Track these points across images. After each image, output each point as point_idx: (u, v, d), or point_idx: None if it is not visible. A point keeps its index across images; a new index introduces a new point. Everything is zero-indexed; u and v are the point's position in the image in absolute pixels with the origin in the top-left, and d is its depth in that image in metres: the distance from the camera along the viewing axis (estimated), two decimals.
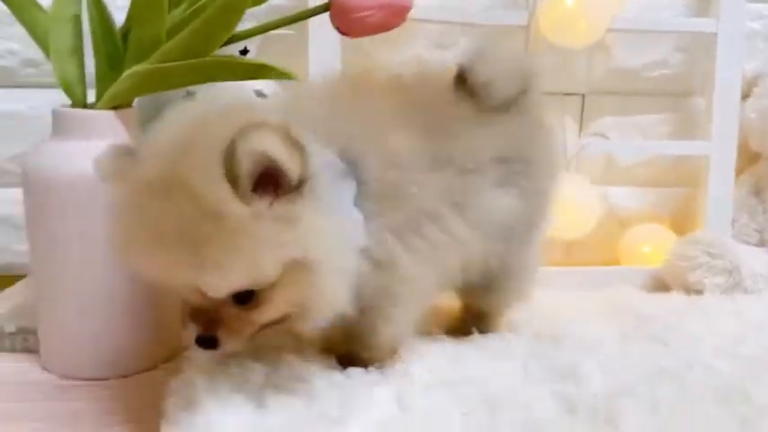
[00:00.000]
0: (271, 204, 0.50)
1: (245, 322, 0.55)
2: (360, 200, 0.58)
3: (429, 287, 0.65)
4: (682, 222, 1.13)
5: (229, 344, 0.55)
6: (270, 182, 0.50)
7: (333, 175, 0.55)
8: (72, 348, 0.71)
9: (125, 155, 0.53)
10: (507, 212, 0.69)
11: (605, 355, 0.72)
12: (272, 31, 0.77)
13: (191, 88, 0.80)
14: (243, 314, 0.54)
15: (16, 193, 0.72)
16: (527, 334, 0.78)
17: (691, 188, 1.11)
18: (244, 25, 0.77)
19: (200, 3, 0.67)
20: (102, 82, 0.69)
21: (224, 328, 0.54)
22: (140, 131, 0.77)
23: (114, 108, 0.68)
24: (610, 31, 0.99)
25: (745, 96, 1.08)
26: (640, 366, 0.70)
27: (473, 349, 0.74)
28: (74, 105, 0.71)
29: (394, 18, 0.70)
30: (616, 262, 1.11)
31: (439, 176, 0.63)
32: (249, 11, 0.86)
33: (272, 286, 0.52)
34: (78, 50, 0.71)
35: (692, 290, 0.98)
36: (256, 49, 0.92)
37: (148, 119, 0.80)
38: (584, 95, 1.10)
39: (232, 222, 0.48)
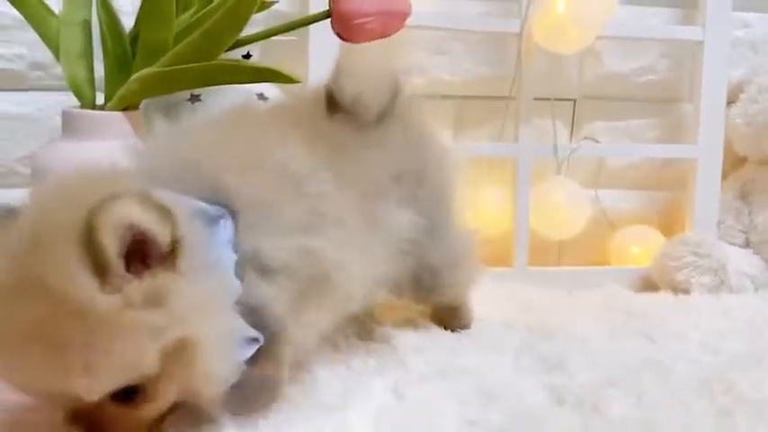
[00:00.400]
0: (140, 282, 0.45)
1: (133, 421, 0.49)
2: (237, 229, 0.54)
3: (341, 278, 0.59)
4: (670, 224, 1.16)
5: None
6: (138, 256, 0.45)
7: (204, 223, 0.51)
8: None
9: None
10: (409, 228, 0.67)
11: (593, 348, 0.75)
12: (274, 37, 0.80)
13: (195, 91, 0.83)
14: (129, 412, 0.49)
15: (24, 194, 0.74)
16: (520, 328, 0.81)
17: (678, 191, 1.15)
18: (247, 31, 0.81)
19: (208, 8, 0.70)
20: (111, 84, 0.71)
21: (111, 424, 0.49)
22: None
23: (123, 110, 0.71)
24: (600, 37, 1.02)
25: (730, 102, 1.11)
26: (627, 359, 0.73)
27: (468, 342, 0.77)
28: (83, 107, 0.73)
29: (393, 24, 0.72)
30: (606, 262, 1.14)
31: (341, 195, 0.61)
32: (252, 17, 0.89)
33: (154, 377, 0.47)
34: (88, 54, 0.73)
35: (680, 289, 1.01)
36: (259, 55, 0.94)
37: (154, 120, 0.84)
38: (575, 101, 1.13)
39: (97, 318, 0.43)
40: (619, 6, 1.06)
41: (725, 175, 1.12)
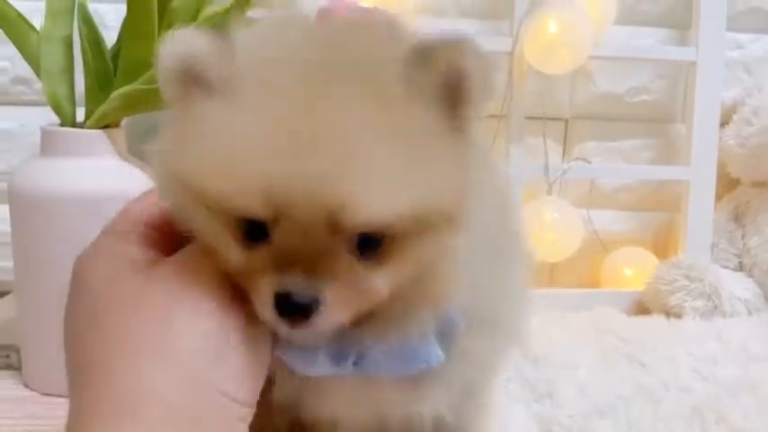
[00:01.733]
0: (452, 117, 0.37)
1: (363, 283, 0.37)
2: None
3: None
4: (663, 246, 1.14)
5: (335, 313, 0.36)
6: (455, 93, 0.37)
7: None
8: (55, 365, 0.71)
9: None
10: None
11: (583, 375, 0.74)
12: None
13: None
14: (362, 270, 0.36)
15: (1, 210, 0.73)
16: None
17: (672, 213, 1.13)
18: None
19: (191, 24, 0.68)
20: (92, 101, 0.70)
21: (336, 283, 0.36)
22: (130, 150, 0.79)
23: (103, 127, 0.69)
24: (592, 57, 1.01)
25: (724, 123, 1.10)
26: (617, 387, 0.71)
27: None
28: (63, 124, 0.72)
29: None
30: (599, 284, 1.12)
31: None
32: None
33: (405, 236, 0.36)
34: (69, 70, 0.72)
35: (672, 313, 0.99)
36: None
37: (137, 140, 0.82)
38: (567, 120, 1.12)
39: (416, 129, 0.36)
40: (612, 26, 1.06)
41: (719, 198, 1.11)
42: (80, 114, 0.72)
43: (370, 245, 0.36)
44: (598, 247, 1.12)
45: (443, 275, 0.39)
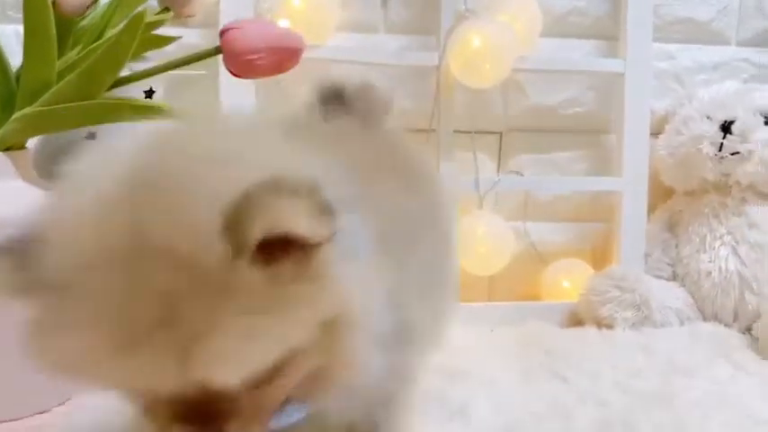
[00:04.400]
0: (285, 263, 0.37)
1: (264, 403, 0.41)
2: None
3: None
4: (600, 257, 1.15)
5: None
6: (283, 248, 0.37)
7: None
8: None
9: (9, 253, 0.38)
10: None
11: (501, 392, 0.73)
12: (180, 72, 0.77)
13: (92, 129, 0.81)
14: (258, 394, 0.40)
15: None
16: (427, 370, 0.78)
17: (608, 223, 1.14)
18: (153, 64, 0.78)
19: (93, 45, 0.67)
20: None
21: (236, 418, 0.39)
22: (39, 172, 0.77)
23: (6, 150, 0.68)
24: (519, 70, 1.01)
25: (657, 133, 1.11)
26: (532, 403, 0.70)
27: None
28: None
29: (286, 61, 0.70)
30: (539, 297, 1.12)
31: None
32: (161, 52, 0.87)
33: (299, 352, 0.39)
34: None
35: (604, 324, 0.99)
36: (164, 91, 0.92)
37: (49, 160, 0.81)
38: (501, 134, 1.12)
39: (246, 292, 0.36)
40: (541, 39, 1.06)
41: (653, 207, 1.11)
42: None
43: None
44: (536, 259, 1.12)
45: (334, 370, 0.42)
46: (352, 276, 0.40)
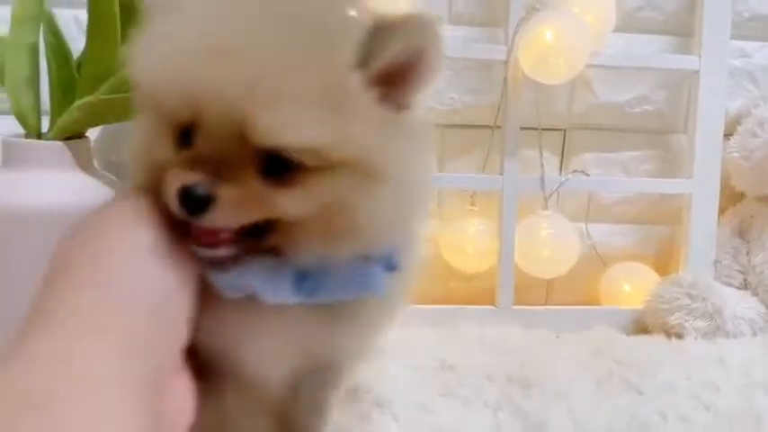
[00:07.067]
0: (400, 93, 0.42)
1: (261, 199, 0.40)
2: None
3: None
4: (665, 261, 1.10)
5: (225, 214, 0.40)
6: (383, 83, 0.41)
7: None
8: None
9: None
10: None
11: (577, 404, 0.70)
12: None
13: None
14: (263, 188, 0.40)
15: None
16: (500, 378, 0.75)
17: (673, 226, 1.09)
18: None
19: None
20: (57, 112, 0.66)
21: (230, 187, 0.39)
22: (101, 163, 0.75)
23: (66, 139, 0.66)
24: (589, 66, 0.97)
25: (728, 135, 1.06)
26: (611, 418, 0.67)
27: (443, 396, 0.71)
28: (27, 135, 0.68)
29: None
30: (597, 300, 1.08)
31: None
32: None
33: (317, 168, 0.40)
34: (34, 80, 0.68)
35: (673, 333, 0.95)
36: None
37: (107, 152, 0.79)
38: (565, 131, 1.08)
39: (341, 79, 0.40)
40: (612, 34, 1.02)
41: (722, 211, 1.07)
42: (46, 125, 0.69)
43: (279, 168, 0.40)
44: (596, 262, 1.08)
45: (358, 213, 0.41)
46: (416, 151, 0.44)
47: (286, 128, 0.38)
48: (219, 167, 0.39)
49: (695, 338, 0.93)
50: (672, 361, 0.86)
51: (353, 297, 0.45)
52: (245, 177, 0.40)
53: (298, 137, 0.38)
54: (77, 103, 0.63)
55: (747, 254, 1.04)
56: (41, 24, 0.68)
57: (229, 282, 0.42)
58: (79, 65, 0.67)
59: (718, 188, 1.04)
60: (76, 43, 0.71)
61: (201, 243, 0.41)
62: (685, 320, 0.94)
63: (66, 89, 0.66)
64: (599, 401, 0.71)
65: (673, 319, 0.95)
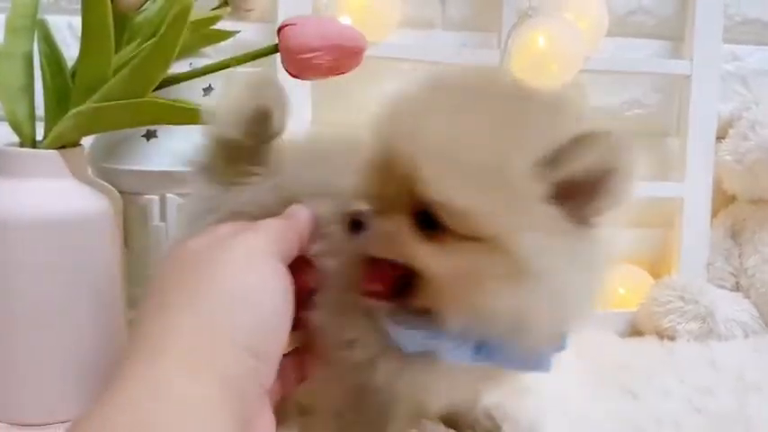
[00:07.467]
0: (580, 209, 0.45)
1: (404, 243, 0.46)
2: None
3: None
4: (659, 264, 1.11)
5: (375, 240, 0.47)
6: (569, 195, 0.44)
7: None
8: (22, 394, 0.68)
9: None
10: None
11: (572, 410, 0.70)
12: (237, 69, 0.75)
13: (151, 127, 0.78)
14: (410, 235, 0.46)
15: None
16: None
17: (667, 229, 1.10)
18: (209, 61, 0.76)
19: (151, 40, 0.65)
20: (51, 120, 0.66)
21: (384, 221, 0.47)
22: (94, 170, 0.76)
23: (60, 147, 0.66)
24: (583, 71, 0.97)
25: (720, 138, 1.07)
26: (606, 420, 0.68)
27: None
28: (22, 144, 0.69)
29: (347, 60, 0.67)
30: None
31: None
32: (219, 47, 0.85)
33: (463, 236, 0.44)
34: (29, 88, 0.68)
35: (666, 335, 0.95)
36: (222, 87, 0.90)
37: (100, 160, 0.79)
38: None
39: (518, 168, 0.44)
40: (605, 39, 1.02)
41: (714, 214, 1.07)
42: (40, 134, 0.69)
43: (430, 224, 0.45)
44: None
45: (487, 289, 0.44)
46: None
47: (443, 185, 0.44)
48: (385, 207, 0.47)
49: (688, 341, 0.93)
50: (664, 364, 0.86)
51: (521, 371, 0.50)
52: (401, 220, 0.46)
53: (449, 196, 0.43)
54: (72, 111, 0.63)
55: (740, 256, 1.05)
56: (35, 33, 0.68)
57: (414, 340, 0.48)
58: (73, 73, 0.67)
59: (711, 191, 1.04)
60: (70, 50, 0.71)
61: (363, 292, 0.48)
62: (678, 323, 0.94)
63: (60, 98, 0.67)
64: (593, 405, 0.71)
65: (666, 322, 0.95)
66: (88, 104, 0.63)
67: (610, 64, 1.03)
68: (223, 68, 0.69)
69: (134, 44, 0.67)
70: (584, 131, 0.43)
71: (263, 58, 0.72)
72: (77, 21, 0.66)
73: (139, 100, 0.62)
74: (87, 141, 0.74)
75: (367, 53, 0.69)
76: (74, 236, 0.65)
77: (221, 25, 0.81)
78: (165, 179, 0.76)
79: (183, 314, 0.42)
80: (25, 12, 0.69)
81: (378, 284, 0.47)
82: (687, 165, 1.03)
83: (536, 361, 0.48)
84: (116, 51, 0.66)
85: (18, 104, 0.68)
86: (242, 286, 0.44)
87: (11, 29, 0.69)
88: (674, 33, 1.06)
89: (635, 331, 1.01)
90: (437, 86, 0.49)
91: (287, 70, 0.68)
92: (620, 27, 1.05)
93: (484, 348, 0.47)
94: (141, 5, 0.70)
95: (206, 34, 0.77)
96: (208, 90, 0.83)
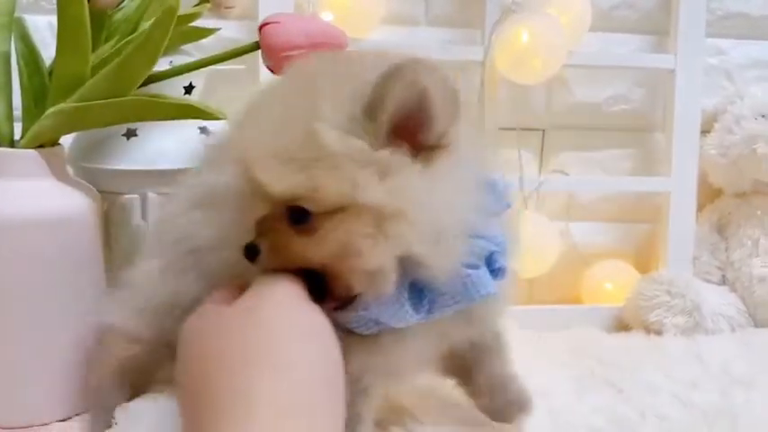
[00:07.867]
0: (389, 152, 0.45)
1: (290, 244, 0.48)
2: None
3: None
4: (645, 259, 1.11)
5: (269, 259, 0.48)
6: (405, 133, 0.45)
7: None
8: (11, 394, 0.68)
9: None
10: None
11: (557, 403, 0.70)
12: (220, 67, 0.75)
13: (131, 125, 0.78)
14: (291, 236, 0.47)
15: None
16: None
17: (654, 224, 1.10)
18: (189, 59, 0.76)
19: (128, 38, 0.65)
20: (28, 120, 0.66)
21: (268, 240, 0.48)
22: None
23: (38, 147, 0.65)
24: (565, 66, 0.97)
25: (705, 132, 1.07)
26: (591, 418, 0.67)
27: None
28: (1, 144, 0.68)
29: None
30: (580, 299, 1.09)
31: None
32: (200, 46, 0.84)
33: (332, 215, 0.46)
34: (6, 88, 0.68)
35: (652, 330, 0.95)
36: (204, 85, 0.89)
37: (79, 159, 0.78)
38: (544, 131, 1.08)
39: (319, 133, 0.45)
40: (588, 34, 1.02)
41: (700, 208, 1.07)
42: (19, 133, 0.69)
43: (300, 219, 0.47)
44: (578, 260, 1.08)
45: (362, 255, 0.46)
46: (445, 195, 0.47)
47: (272, 178, 0.46)
48: (264, 225, 0.49)
49: (674, 335, 0.93)
50: (651, 358, 0.86)
51: (467, 305, 0.50)
52: (280, 229, 0.48)
53: (281, 185, 0.45)
54: (51, 110, 0.63)
55: (726, 250, 1.05)
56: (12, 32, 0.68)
57: (361, 319, 0.49)
58: (51, 72, 0.66)
59: (696, 185, 1.04)
60: (50, 49, 0.70)
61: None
62: (664, 317, 0.95)
63: (37, 97, 0.66)
64: (578, 400, 0.71)
65: (652, 316, 0.95)
66: (69, 103, 0.62)
67: (593, 59, 1.03)
68: (205, 66, 0.69)
69: (112, 42, 0.66)
70: (384, 72, 0.44)
71: (244, 56, 0.72)
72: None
73: (122, 99, 0.61)
74: (67, 141, 0.73)
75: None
76: (54, 236, 0.65)
77: (202, 22, 0.80)
78: (146, 178, 0.76)
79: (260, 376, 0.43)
80: (2, 10, 0.68)
81: (330, 303, 0.48)
82: (673, 159, 1.03)
83: (473, 288, 0.48)
84: (94, 49, 0.65)
85: None
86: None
87: None
88: (658, 28, 1.06)
89: (622, 326, 1.01)
90: (261, 91, 0.51)
91: (269, 68, 0.67)
92: (604, 22, 1.05)
93: (422, 300, 0.49)
94: (119, 4, 0.70)
95: (186, 31, 0.76)
96: (189, 88, 0.82)
